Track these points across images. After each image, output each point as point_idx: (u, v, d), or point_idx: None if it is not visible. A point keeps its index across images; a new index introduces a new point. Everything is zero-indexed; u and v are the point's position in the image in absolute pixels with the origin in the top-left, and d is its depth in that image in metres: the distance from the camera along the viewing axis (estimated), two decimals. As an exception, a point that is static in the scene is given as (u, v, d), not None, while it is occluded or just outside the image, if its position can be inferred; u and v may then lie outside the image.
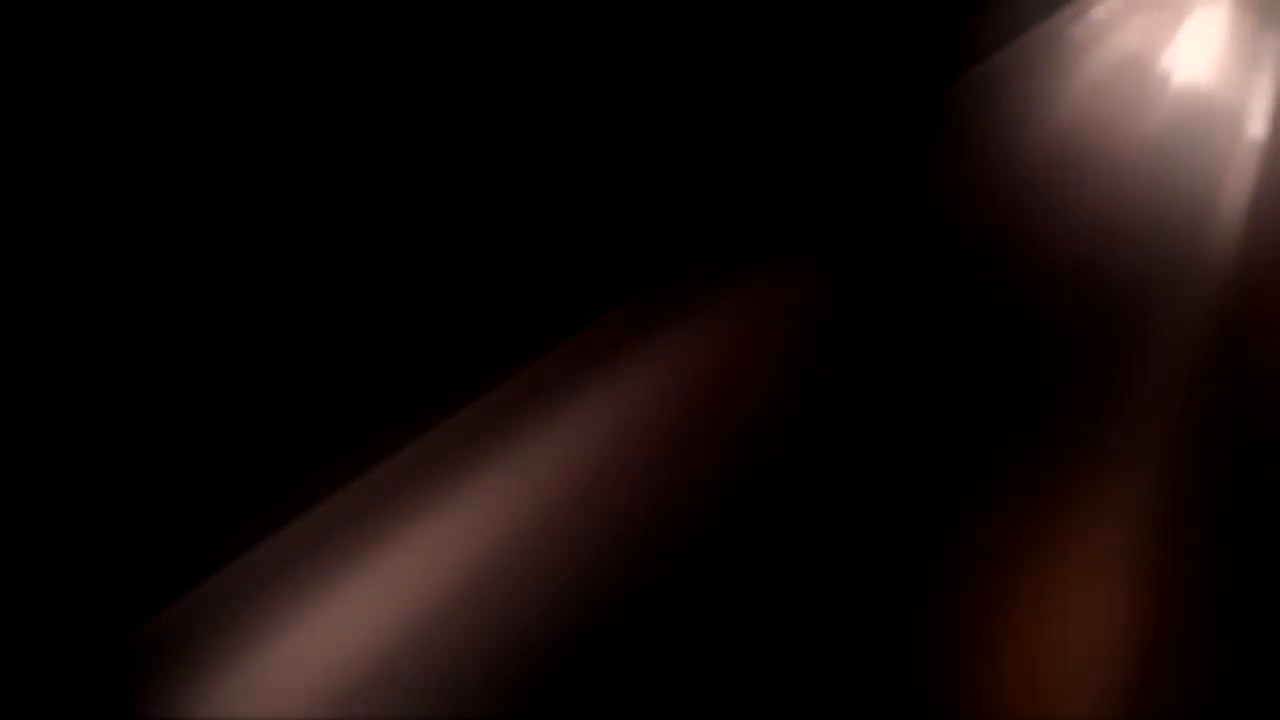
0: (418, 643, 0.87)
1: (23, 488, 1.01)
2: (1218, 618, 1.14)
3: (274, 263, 1.11)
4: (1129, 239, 1.95)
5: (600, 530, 0.92)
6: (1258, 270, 1.85)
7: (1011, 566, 1.21)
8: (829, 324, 1.07)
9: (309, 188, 1.10)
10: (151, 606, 1.06)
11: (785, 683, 0.89)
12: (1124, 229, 1.99)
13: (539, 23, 1.33)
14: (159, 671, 1.01)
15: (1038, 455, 1.39)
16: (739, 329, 1.08)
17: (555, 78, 1.30)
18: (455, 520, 0.91)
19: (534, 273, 1.06)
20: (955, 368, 1.54)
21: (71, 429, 1.07)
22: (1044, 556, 1.23)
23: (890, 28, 2.12)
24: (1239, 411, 1.48)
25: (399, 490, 0.95)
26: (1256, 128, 2.40)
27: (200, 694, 0.99)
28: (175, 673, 1.01)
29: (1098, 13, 2.98)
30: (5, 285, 0.98)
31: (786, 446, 1.04)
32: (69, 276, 1.08)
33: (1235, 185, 2.16)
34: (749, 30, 1.82)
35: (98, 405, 1.07)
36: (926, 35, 2.22)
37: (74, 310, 1.07)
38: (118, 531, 1.01)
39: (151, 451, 1.05)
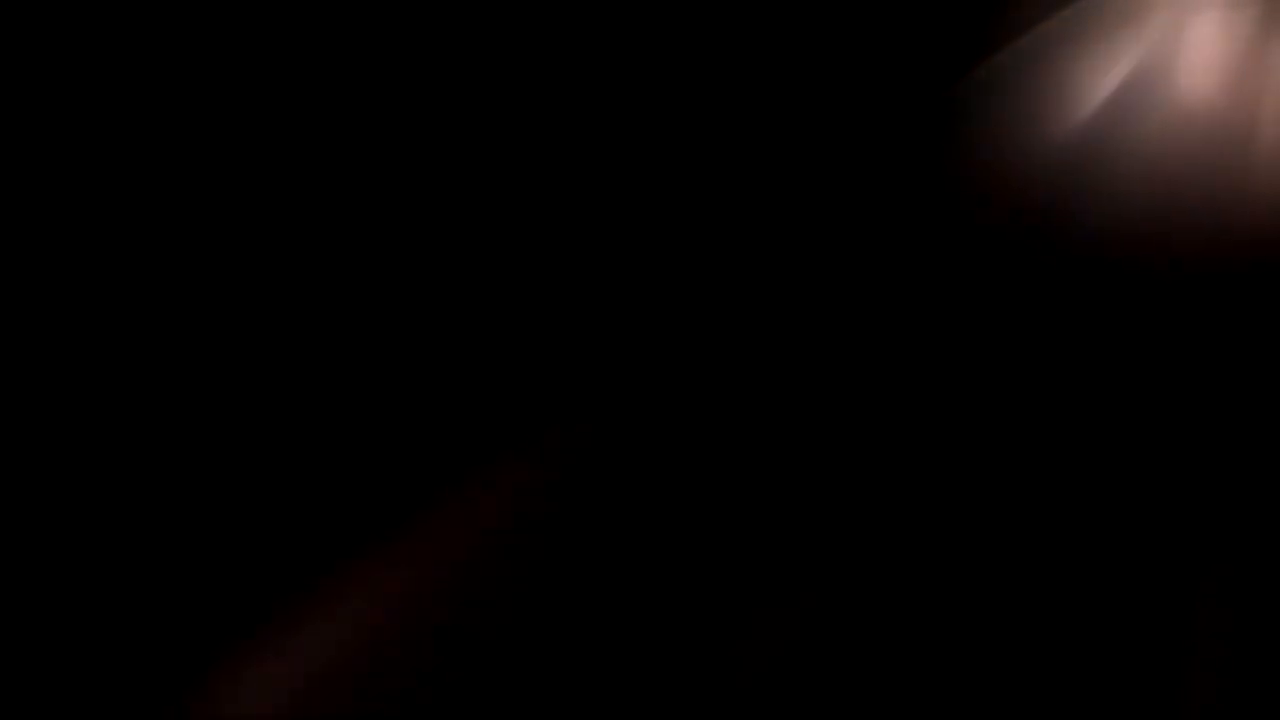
0: None
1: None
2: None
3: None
4: (1146, 230, 1.95)
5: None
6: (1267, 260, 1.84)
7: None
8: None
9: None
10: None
11: None
12: (1140, 221, 1.98)
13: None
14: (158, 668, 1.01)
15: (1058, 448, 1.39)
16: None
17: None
18: None
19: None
20: (972, 355, 1.53)
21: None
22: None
23: (903, 18, 2.11)
24: (1248, 399, 1.47)
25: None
26: (1264, 122, 2.38)
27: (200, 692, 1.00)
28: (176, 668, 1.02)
29: (1113, 3, 2.95)
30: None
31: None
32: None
33: (1245, 180, 2.14)
34: (753, 29, 1.81)
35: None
36: (939, 26, 2.21)
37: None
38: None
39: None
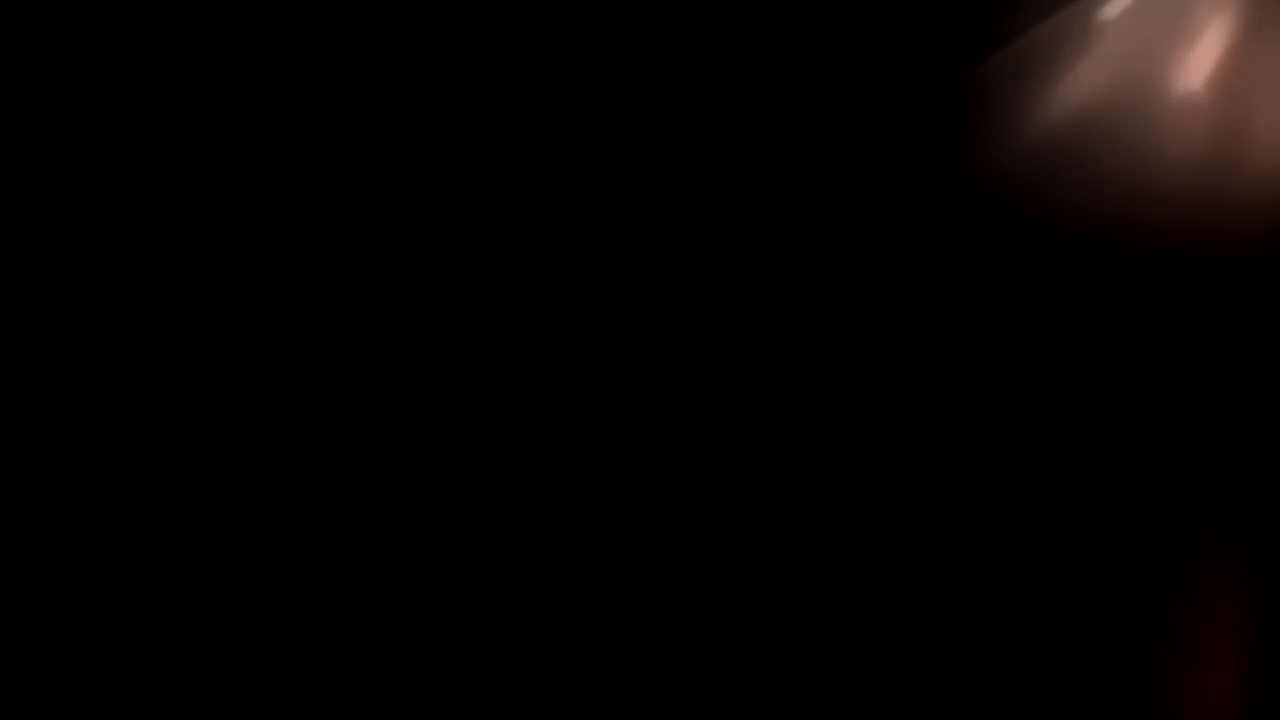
0: None
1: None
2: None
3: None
4: (1140, 222, 1.95)
5: None
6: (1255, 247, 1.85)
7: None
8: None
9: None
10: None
11: None
12: (1135, 213, 1.98)
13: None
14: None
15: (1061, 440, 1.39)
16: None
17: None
18: None
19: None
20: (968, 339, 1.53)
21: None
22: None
23: (914, 14, 2.11)
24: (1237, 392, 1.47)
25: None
26: (1257, 119, 2.38)
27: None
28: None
29: (1112, 3, 2.97)
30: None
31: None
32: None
33: (1240, 173, 2.15)
34: (767, 26, 1.81)
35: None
36: (949, 21, 2.21)
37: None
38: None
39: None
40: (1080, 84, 2.39)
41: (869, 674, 1.04)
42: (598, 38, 1.51)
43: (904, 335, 1.56)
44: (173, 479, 1.18)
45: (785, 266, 1.68)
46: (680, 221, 1.70)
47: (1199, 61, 2.49)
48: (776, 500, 1.25)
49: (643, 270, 1.61)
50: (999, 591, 1.14)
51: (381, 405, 1.33)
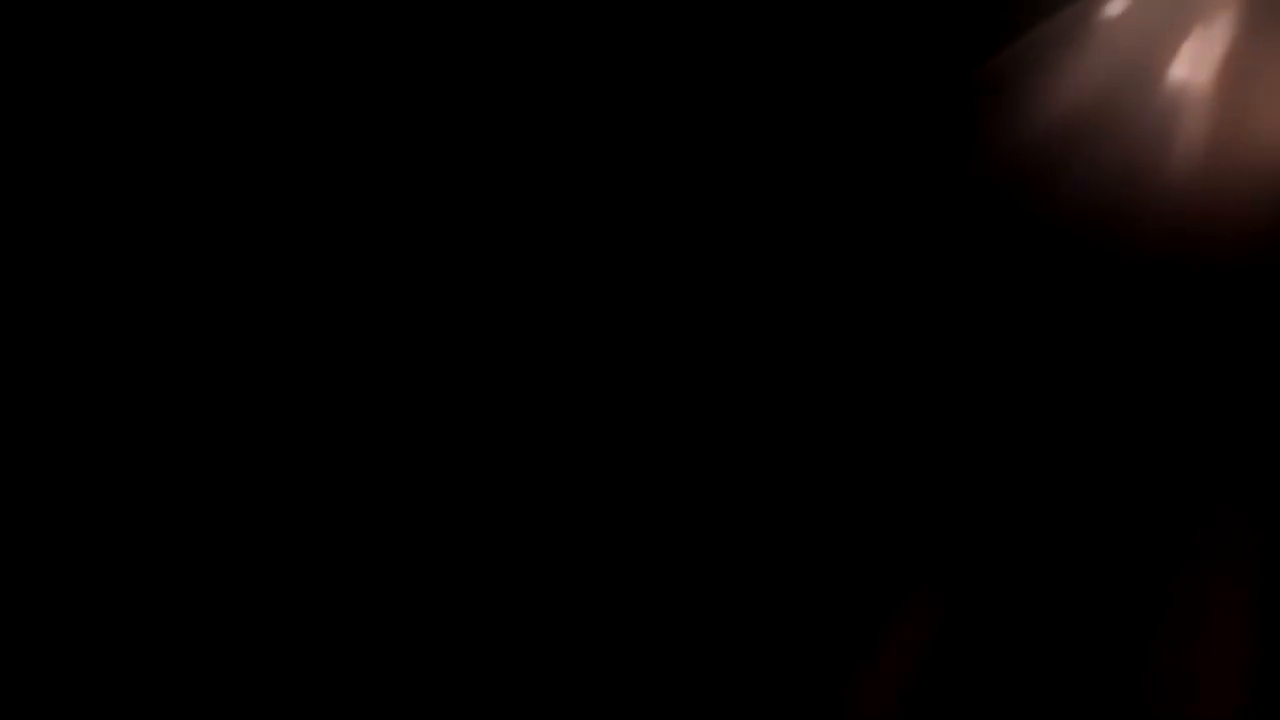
0: None
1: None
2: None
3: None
4: (1144, 215, 1.94)
5: None
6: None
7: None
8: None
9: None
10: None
11: None
12: (1138, 207, 1.98)
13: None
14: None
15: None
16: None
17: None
18: None
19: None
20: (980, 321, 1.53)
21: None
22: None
23: (928, 11, 2.12)
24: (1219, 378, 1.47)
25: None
26: (1259, 114, 2.38)
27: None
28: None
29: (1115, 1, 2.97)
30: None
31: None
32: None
33: (1242, 168, 2.14)
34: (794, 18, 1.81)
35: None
36: (961, 18, 2.21)
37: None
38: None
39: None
40: (1086, 79, 2.39)
41: (869, 672, 1.04)
42: (615, 26, 1.51)
43: (910, 325, 1.56)
44: (172, 478, 1.18)
45: (800, 253, 1.68)
46: (694, 210, 1.70)
47: (1202, 58, 2.49)
48: (781, 492, 1.25)
49: (654, 261, 1.61)
50: (999, 590, 1.14)
51: (381, 404, 1.33)
